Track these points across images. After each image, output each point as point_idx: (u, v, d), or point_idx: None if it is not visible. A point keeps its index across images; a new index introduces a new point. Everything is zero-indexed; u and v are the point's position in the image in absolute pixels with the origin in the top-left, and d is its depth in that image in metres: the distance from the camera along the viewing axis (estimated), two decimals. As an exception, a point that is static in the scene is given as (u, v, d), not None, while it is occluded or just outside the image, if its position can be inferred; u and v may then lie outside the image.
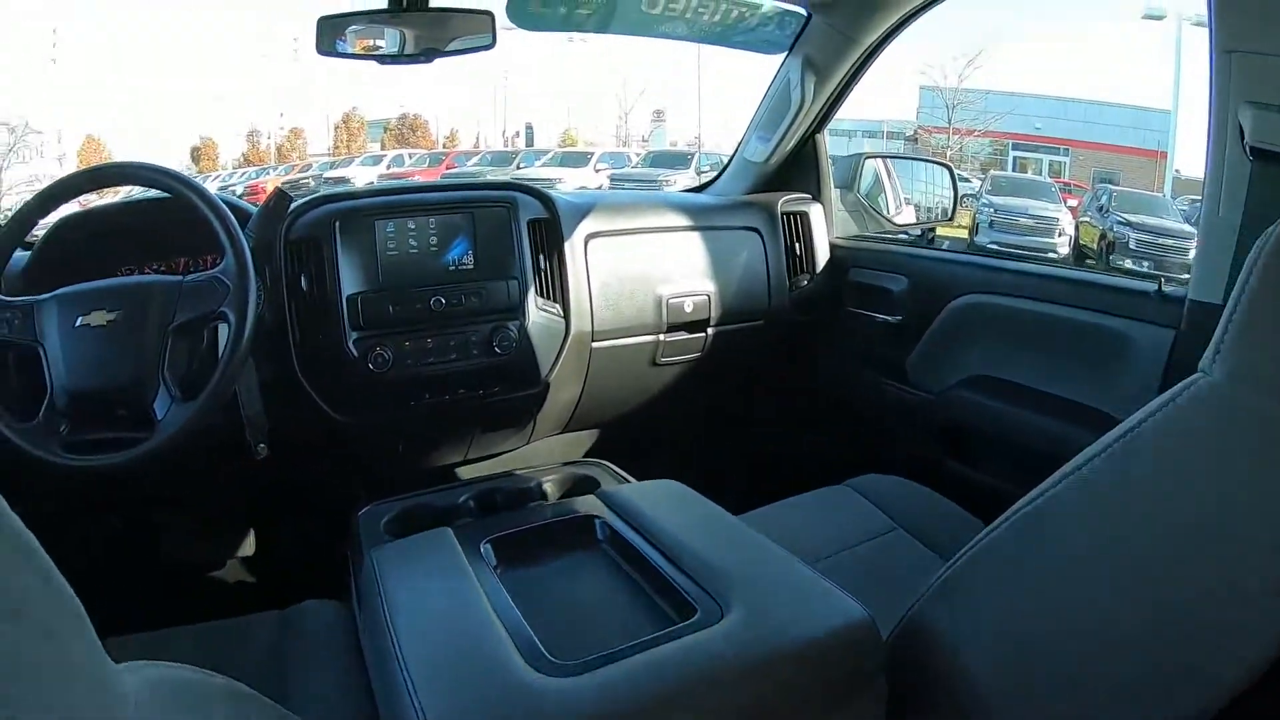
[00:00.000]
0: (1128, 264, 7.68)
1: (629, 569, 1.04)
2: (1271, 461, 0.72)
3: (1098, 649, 0.81)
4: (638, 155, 14.48)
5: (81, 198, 1.32)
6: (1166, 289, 1.32)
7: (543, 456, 1.80)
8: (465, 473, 1.77)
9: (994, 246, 7.91)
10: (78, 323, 1.18)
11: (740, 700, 0.80)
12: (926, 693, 0.95)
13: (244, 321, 1.18)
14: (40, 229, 1.36)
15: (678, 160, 13.06)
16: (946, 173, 2.31)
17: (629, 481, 1.36)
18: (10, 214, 1.29)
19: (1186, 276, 1.30)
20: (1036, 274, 1.60)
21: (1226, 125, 1.17)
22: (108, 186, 1.32)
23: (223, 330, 1.22)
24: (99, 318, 1.19)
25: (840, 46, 1.80)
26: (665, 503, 1.15)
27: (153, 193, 1.33)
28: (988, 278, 1.68)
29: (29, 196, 1.27)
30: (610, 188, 12.23)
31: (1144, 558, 0.79)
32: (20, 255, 1.38)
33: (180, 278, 1.23)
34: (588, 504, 1.17)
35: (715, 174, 2.12)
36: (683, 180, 11.59)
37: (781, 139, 1.94)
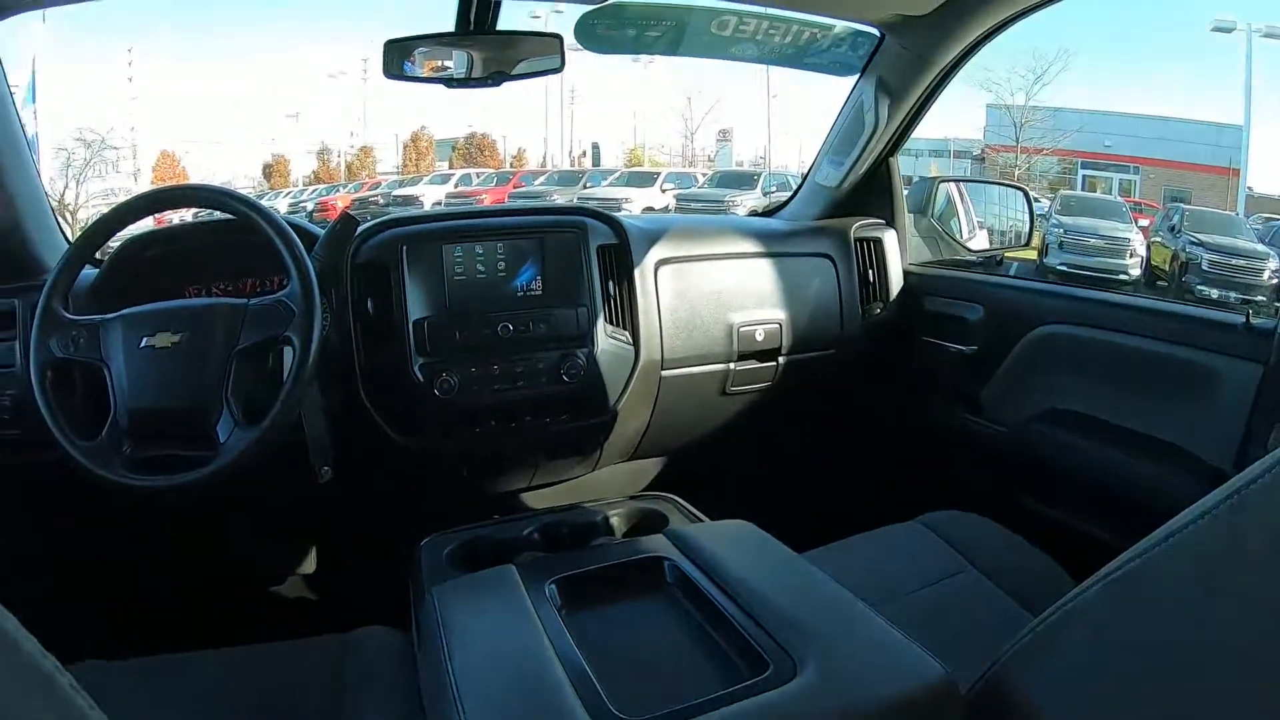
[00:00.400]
0: (1199, 288, 7.44)
1: (698, 616, 1.00)
2: None
3: (1205, 712, 0.75)
4: (704, 175, 14.51)
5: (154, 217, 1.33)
6: (1255, 321, 1.25)
7: (607, 484, 1.78)
8: (529, 499, 1.75)
9: (1063, 268, 7.72)
10: (142, 343, 1.19)
11: None
12: None
13: (309, 346, 1.18)
14: (109, 247, 1.38)
15: (744, 180, 13.06)
16: (1022, 196, 2.25)
17: (698, 518, 1.33)
18: (83, 229, 1.31)
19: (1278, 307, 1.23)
20: (1118, 304, 1.53)
21: None
22: (175, 208, 1.33)
23: (287, 354, 1.22)
24: (164, 339, 1.19)
25: (914, 68, 1.75)
26: (736, 545, 1.11)
27: (220, 214, 1.34)
28: (1067, 307, 1.61)
29: (104, 209, 1.29)
30: (677, 208, 12.28)
31: (1259, 644, 0.73)
32: (88, 272, 1.40)
33: (246, 301, 1.23)
34: (656, 544, 1.13)
35: (787, 197, 2.08)
36: (749, 201, 11.58)
37: (854, 163, 1.89)
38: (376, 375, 1.43)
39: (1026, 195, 2.24)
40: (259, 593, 1.85)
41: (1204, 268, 7.66)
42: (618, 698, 0.81)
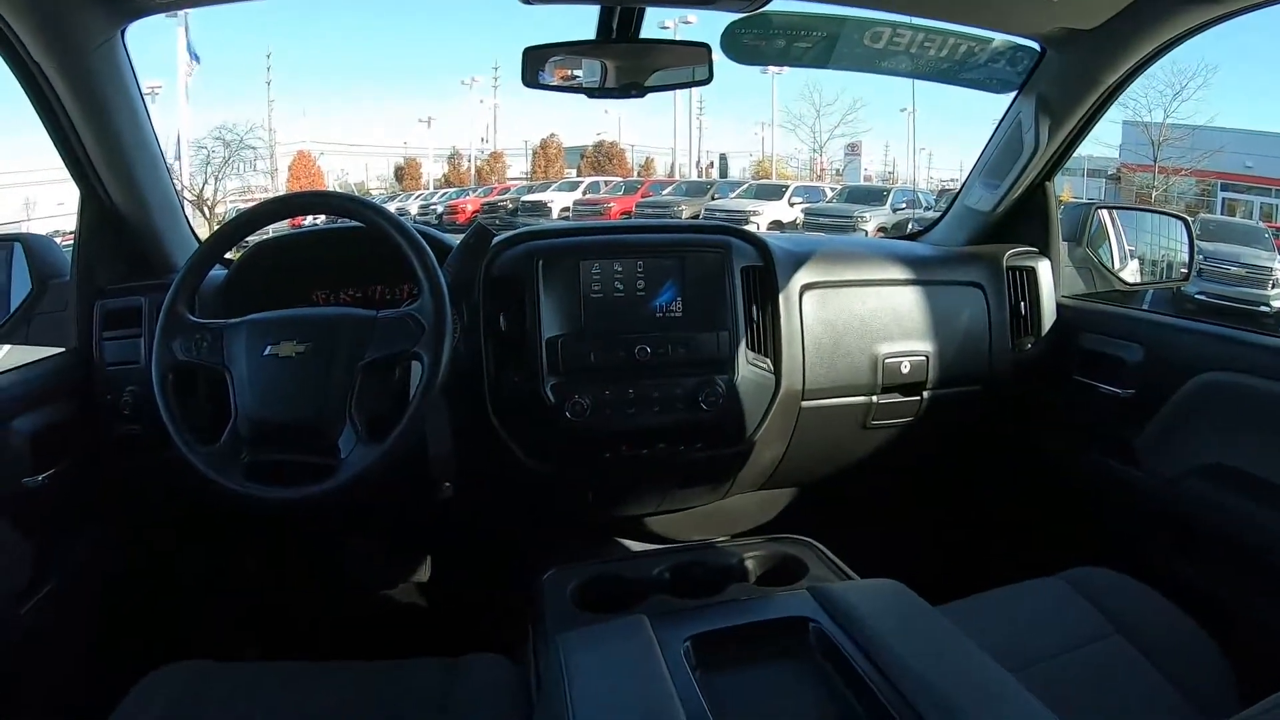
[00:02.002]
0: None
1: (845, 691, 0.93)
2: None
3: None
4: (832, 189, 14.40)
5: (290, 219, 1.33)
6: None
7: (736, 513, 1.72)
8: (654, 524, 1.70)
9: (1201, 297, 7.31)
10: (266, 351, 1.17)
11: None
12: None
13: (438, 363, 1.14)
14: (240, 248, 1.38)
15: (873, 195, 12.96)
16: (1182, 226, 2.10)
17: (839, 567, 1.26)
18: (214, 229, 1.32)
19: None
20: None
21: None
22: (306, 214, 1.32)
23: (415, 369, 1.20)
24: (288, 348, 1.17)
25: (1077, 85, 1.64)
26: (887, 611, 1.04)
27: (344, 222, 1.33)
28: (1239, 354, 1.46)
29: (241, 206, 1.30)
30: (805, 222, 12.19)
31: None
32: (217, 273, 1.41)
33: (374, 313, 1.20)
34: (798, 600, 1.07)
35: (934, 220, 1.99)
36: (878, 217, 11.46)
37: (1010, 186, 1.78)
38: (506, 394, 1.40)
39: (1188, 225, 2.08)
40: (369, 604, 1.86)
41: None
42: None
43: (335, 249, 1.51)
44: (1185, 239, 2.08)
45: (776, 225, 11.74)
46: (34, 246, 1.49)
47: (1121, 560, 1.44)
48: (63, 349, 1.43)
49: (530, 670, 1.13)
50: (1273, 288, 7.45)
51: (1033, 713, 0.85)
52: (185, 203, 1.67)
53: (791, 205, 13.10)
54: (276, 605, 1.82)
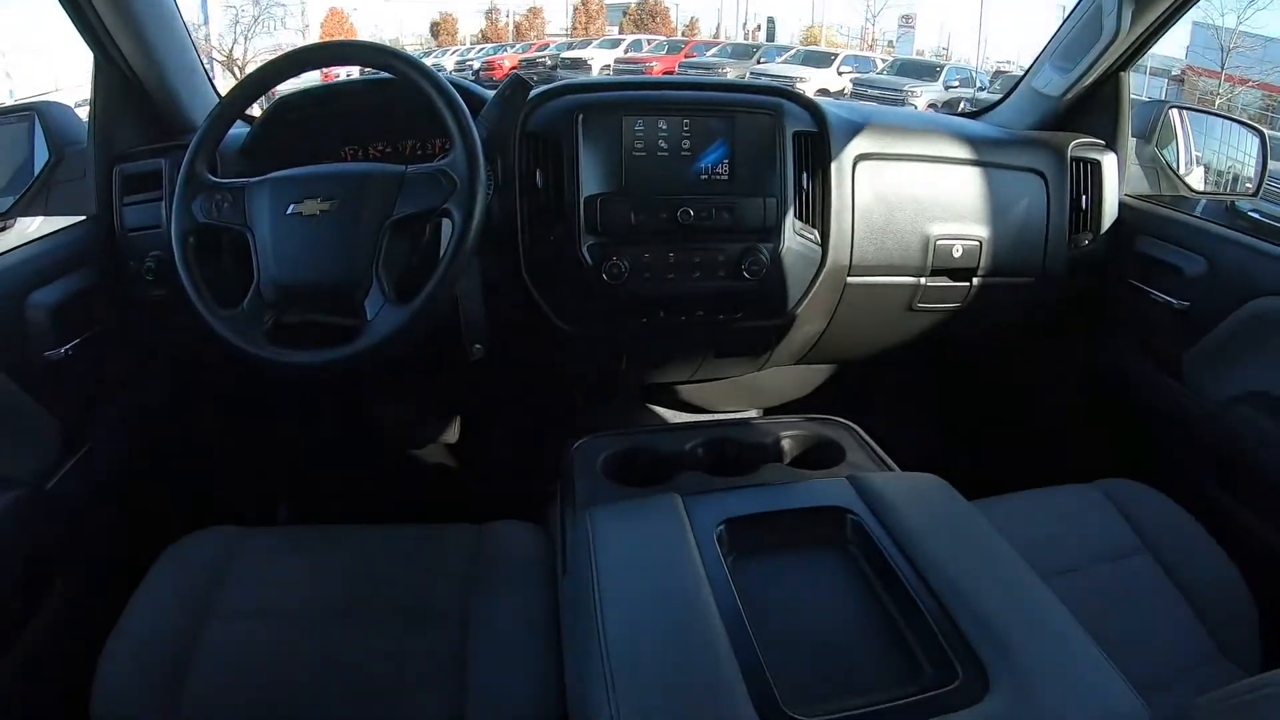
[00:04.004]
0: None
1: (882, 590, 0.92)
2: None
3: None
4: (883, 61, 13.91)
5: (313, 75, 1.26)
6: None
7: (770, 386, 1.70)
8: (686, 393, 1.68)
9: (1254, 214, 7.09)
10: (289, 210, 1.12)
11: None
12: None
13: (470, 221, 1.09)
14: (263, 103, 1.32)
15: (925, 71, 12.50)
16: (1256, 138, 2.00)
17: (877, 454, 1.24)
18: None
19: None
20: None
21: None
22: (332, 65, 1.26)
23: (445, 227, 1.14)
24: (311, 206, 1.12)
25: (1170, -31, 1.50)
26: (927, 509, 1.03)
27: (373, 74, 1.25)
28: None
29: None
30: (853, 92, 11.86)
31: None
32: (239, 130, 1.35)
33: (404, 168, 1.14)
34: (837, 490, 1.06)
35: (998, 98, 1.89)
36: (929, 93, 11.11)
37: (1083, 73, 1.68)
38: (541, 254, 1.35)
39: (1263, 138, 1.98)
40: (400, 465, 1.86)
41: None
42: (786, 685, 0.75)
43: (365, 102, 1.44)
44: (1258, 152, 1.99)
45: (824, 94, 11.43)
46: (50, 114, 1.44)
47: (1159, 476, 1.43)
48: (83, 217, 1.40)
49: (557, 540, 1.12)
50: (1336, 219, 7.23)
51: (1060, 621, 0.85)
52: (215, 64, 1.60)
53: (840, 74, 12.71)
54: (307, 470, 1.83)
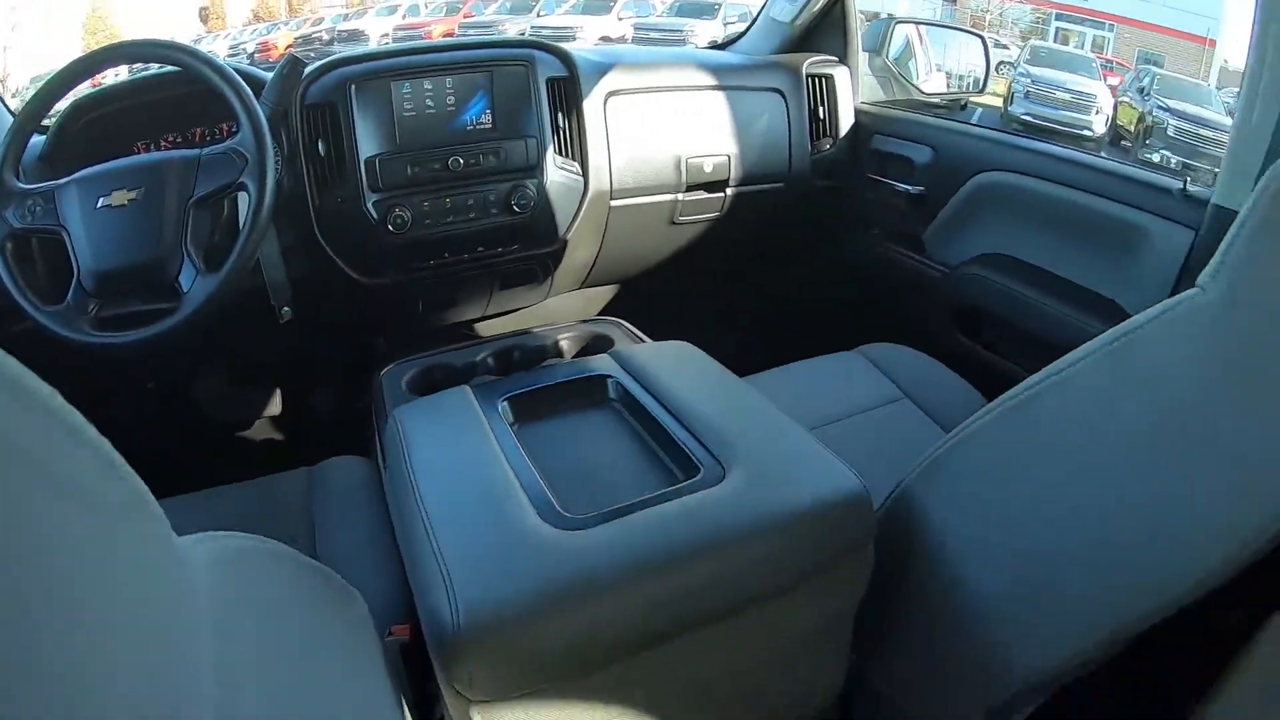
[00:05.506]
0: (1162, 152, 7.38)
1: (638, 427, 1.08)
2: (1250, 383, 0.75)
3: (1068, 542, 0.86)
4: (663, 3, 13.87)
5: (94, 77, 1.30)
6: (1191, 189, 1.28)
7: (559, 312, 1.83)
8: (484, 329, 1.80)
9: (1027, 117, 7.62)
10: (99, 204, 1.19)
11: (736, 561, 0.85)
12: (911, 564, 1.00)
13: (264, 190, 1.20)
14: (54, 113, 1.35)
15: (704, 10, 12.43)
16: (979, 43, 2.25)
17: (642, 340, 1.39)
18: (26, 96, 1.28)
19: (1215, 171, 1.26)
20: (1063, 158, 1.56)
21: (1270, 26, 1.10)
22: (119, 65, 1.31)
23: (243, 200, 1.23)
24: (120, 197, 1.20)
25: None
26: (676, 364, 1.18)
27: (159, 68, 1.32)
28: (1013, 156, 1.64)
29: (40, 75, 1.26)
30: (634, 37, 11.77)
31: (1128, 450, 0.83)
32: (37, 140, 1.38)
33: (198, 151, 1.23)
34: (602, 363, 1.20)
35: (742, 30, 2.06)
36: (708, 31, 11.13)
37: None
38: (331, 214, 1.44)
39: (984, 42, 2.23)
40: (232, 436, 1.90)
41: (1169, 133, 7.58)
42: (564, 501, 0.89)
43: (150, 97, 1.48)
44: (983, 56, 2.23)
45: (606, 40, 11.35)
46: None
47: (911, 337, 1.64)
48: None
49: (376, 451, 1.22)
50: (1095, 114, 7.87)
51: (804, 441, 1.00)
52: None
53: (620, 20, 12.63)
54: (141, 453, 1.84)
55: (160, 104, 1.47)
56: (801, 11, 1.89)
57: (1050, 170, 1.56)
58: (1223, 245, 0.79)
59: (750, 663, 0.94)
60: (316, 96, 1.42)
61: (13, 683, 0.26)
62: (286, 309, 1.38)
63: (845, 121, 1.92)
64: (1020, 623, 0.89)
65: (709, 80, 1.75)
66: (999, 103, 7.89)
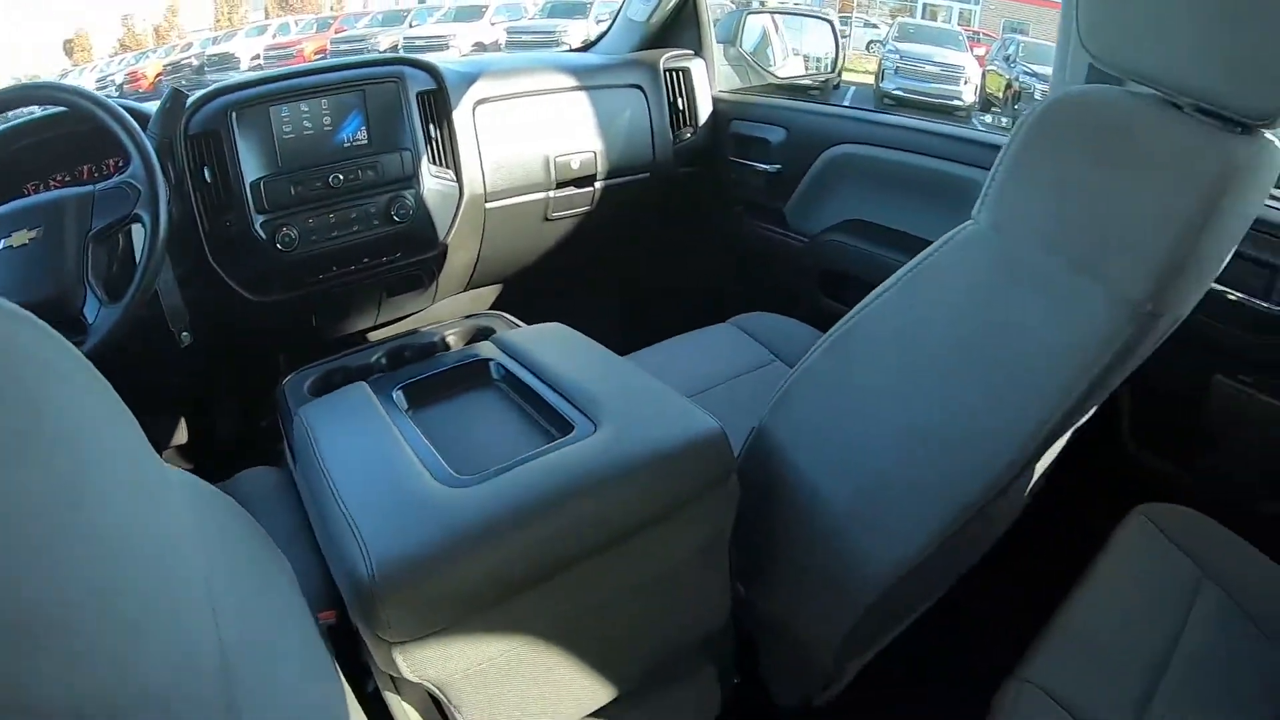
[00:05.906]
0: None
1: (519, 400, 1.19)
2: (1009, 299, 0.92)
3: (900, 446, 1.02)
4: (535, 5, 13.80)
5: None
6: None
7: (448, 314, 1.91)
8: (377, 336, 1.86)
9: (898, 93, 7.96)
10: (1, 245, 1.22)
11: (609, 498, 0.96)
12: (772, 491, 1.14)
13: (158, 220, 1.23)
14: None
15: (575, 9, 12.47)
16: (828, 27, 2.40)
17: (521, 326, 1.48)
18: None
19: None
20: (906, 126, 1.72)
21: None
22: (6, 110, 1.34)
23: (138, 231, 1.27)
24: (21, 237, 1.22)
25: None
26: (551, 343, 1.28)
27: (35, 110, 1.36)
28: (859, 129, 1.80)
29: None
30: (508, 41, 11.72)
31: (927, 369, 1.00)
32: None
33: (92, 186, 1.27)
34: (484, 349, 1.29)
35: (601, 32, 2.18)
36: (581, 30, 11.16)
37: (660, -1, 2.00)
38: (221, 238, 1.49)
39: (833, 26, 2.39)
40: None
41: (1036, 96, 7.98)
42: (457, 465, 1.00)
43: (32, 140, 1.50)
44: (833, 39, 2.38)
45: (480, 47, 11.29)
46: None
47: (781, 306, 1.78)
48: None
49: (286, 451, 1.28)
50: (964, 84, 8.25)
51: (669, 396, 1.11)
52: None
53: (493, 25, 12.59)
54: None
55: (46, 144, 1.50)
56: (655, 10, 2.01)
57: (895, 139, 1.72)
58: (988, 177, 0.96)
59: (639, 588, 1.05)
60: (200, 125, 1.47)
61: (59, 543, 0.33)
62: (185, 334, 1.42)
63: (704, 110, 2.06)
64: (867, 525, 1.04)
65: (571, 82, 1.86)
66: (871, 80, 8.20)
